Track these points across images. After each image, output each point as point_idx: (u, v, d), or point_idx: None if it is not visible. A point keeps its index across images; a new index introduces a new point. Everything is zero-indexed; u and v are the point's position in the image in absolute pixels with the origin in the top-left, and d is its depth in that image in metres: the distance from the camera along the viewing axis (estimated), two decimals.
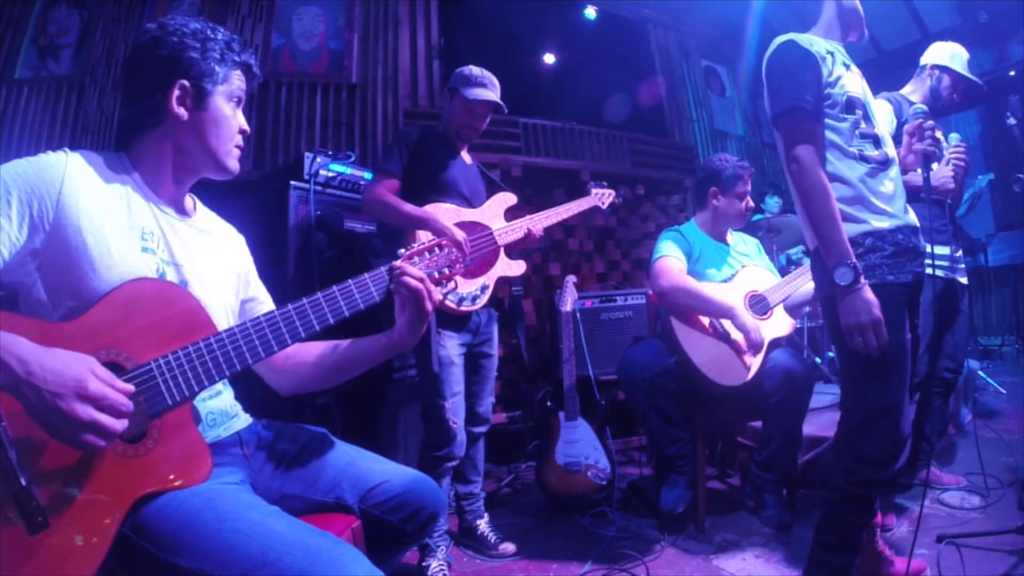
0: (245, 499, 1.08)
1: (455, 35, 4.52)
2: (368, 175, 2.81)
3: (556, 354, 3.23)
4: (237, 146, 1.30)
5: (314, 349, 1.37)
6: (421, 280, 1.26)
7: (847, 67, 1.76)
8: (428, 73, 4.37)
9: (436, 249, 1.33)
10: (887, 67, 5.50)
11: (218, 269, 1.33)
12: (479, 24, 4.57)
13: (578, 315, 3.17)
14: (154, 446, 1.01)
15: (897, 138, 2.08)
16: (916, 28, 6.02)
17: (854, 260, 1.57)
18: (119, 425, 0.90)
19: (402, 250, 1.31)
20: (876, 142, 1.73)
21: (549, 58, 5.24)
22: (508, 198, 2.57)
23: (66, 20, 4.11)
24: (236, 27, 3.98)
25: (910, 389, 1.66)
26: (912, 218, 1.75)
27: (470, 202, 2.46)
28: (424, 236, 2.23)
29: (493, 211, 2.50)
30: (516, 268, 2.47)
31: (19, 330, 0.91)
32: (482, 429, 2.53)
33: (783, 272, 3.95)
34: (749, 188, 2.76)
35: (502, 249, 2.43)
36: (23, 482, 0.83)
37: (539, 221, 2.53)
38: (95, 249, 1.08)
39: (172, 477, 1.02)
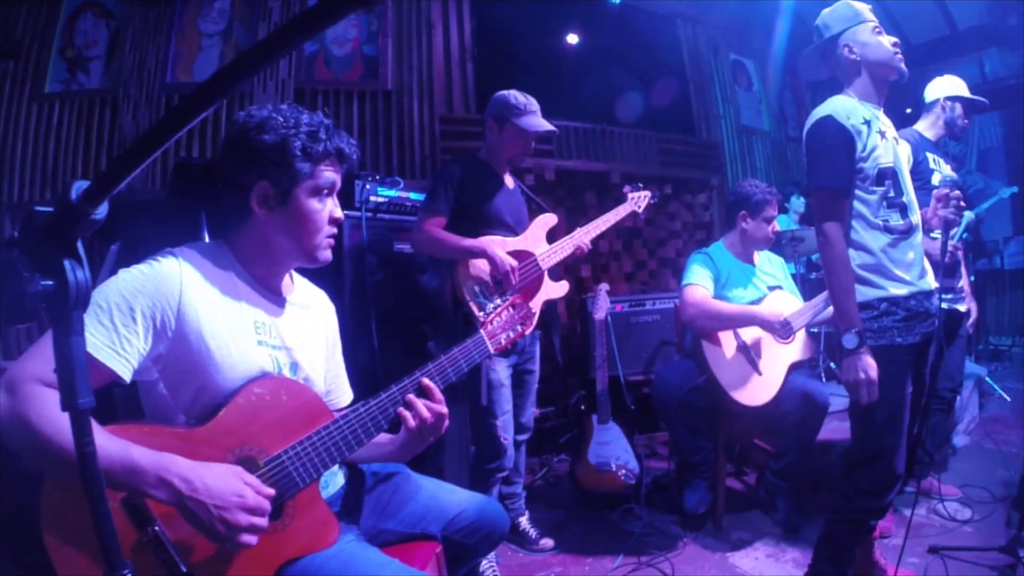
0: (374, 558, 1.25)
1: (484, 37, 4.47)
2: (413, 195, 2.89)
3: (587, 353, 3.41)
4: (330, 236, 1.31)
5: None
6: (423, 420, 1.32)
7: (882, 135, 1.87)
8: (463, 77, 4.31)
9: (511, 308, 1.45)
10: (915, 60, 5.46)
11: (318, 343, 1.47)
12: (506, 25, 4.51)
13: (609, 320, 3.33)
14: (290, 522, 1.20)
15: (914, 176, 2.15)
16: (945, 24, 6.01)
17: (861, 328, 1.77)
18: (267, 524, 1.07)
19: (481, 314, 1.43)
20: (903, 211, 1.86)
21: (575, 46, 5.08)
22: (548, 219, 2.65)
23: (93, 31, 3.98)
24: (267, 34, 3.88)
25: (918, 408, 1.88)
26: (928, 282, 1.90)
27: (514, 230, 2.55)
28: (475, 266, 2.38)
29: (535, 235, 2.59)
30: (560, 289, 2.61)
31: (165, 440, 1.06)
32: (525, 437, 2.73)
33: (803, 279, 4.06)
34: (776, 214, 2.89)
35: (546, 272, 2.55)
36: (183, 569, 1.00)
37: (581, 236, 2.63)
38: (217, 352, 1.18)
39: (308, 544, 1.21)
